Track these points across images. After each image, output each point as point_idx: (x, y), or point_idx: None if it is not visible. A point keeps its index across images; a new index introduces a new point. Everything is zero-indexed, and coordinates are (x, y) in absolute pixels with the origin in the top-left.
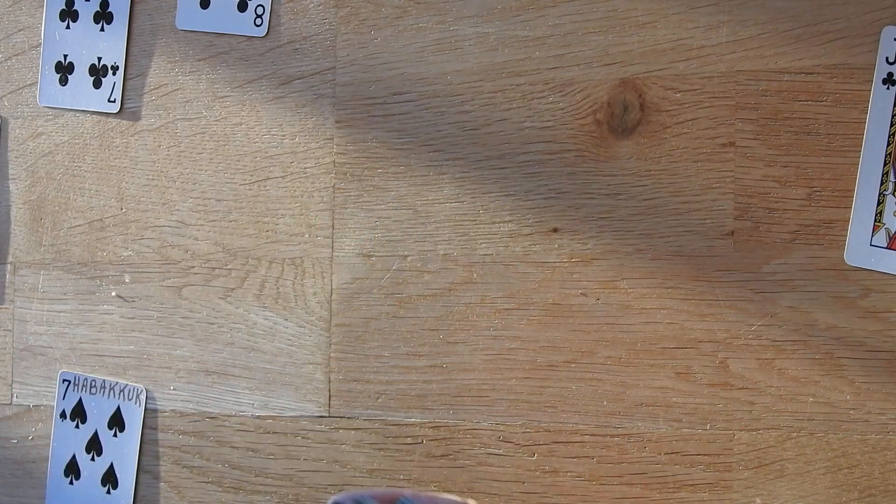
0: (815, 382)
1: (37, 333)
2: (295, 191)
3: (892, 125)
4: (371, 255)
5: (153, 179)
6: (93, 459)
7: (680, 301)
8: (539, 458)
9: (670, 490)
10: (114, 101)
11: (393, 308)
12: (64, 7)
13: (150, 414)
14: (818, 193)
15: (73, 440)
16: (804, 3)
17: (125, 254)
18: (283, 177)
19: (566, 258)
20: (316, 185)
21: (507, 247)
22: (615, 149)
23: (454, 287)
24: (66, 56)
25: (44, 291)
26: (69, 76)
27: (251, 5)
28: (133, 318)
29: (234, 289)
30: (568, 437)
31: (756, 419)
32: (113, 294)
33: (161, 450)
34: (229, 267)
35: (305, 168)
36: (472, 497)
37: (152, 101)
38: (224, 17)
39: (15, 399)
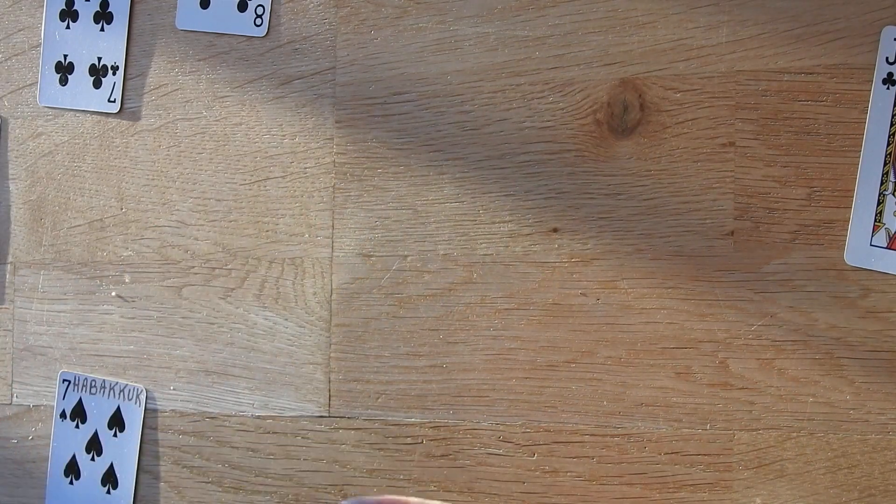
0: (815, 382)
1: (37, 333)
2: (295, 191)
3: (892, 125)
4: (371, 255)
5: (153, 179)
6: (93, 459)
7: (680, 301)
8: (539, 458)
9: (670, 490)
10: (114, 101)
11: (393, 308)
12: (64, 7)
13: (150, 414)
14: (818, 193)
15: (73, 440)
16: (804, 3)
17: (125, 254)
18: (283, 177)
19: (566, 258)
20: (316, 185)
21: (507, 247)
22: (615, 149)
23: (454, 287)
24: (66, 56)
25: (44, 291)
26: (69, 76)
27: (251, 5)
28: (133, 318)
29: (234, 289)
30: (568, 437)
31: (756, 419)
32: (113, 294)
33: (161, 450)
34: (229, 267)
35: (305, 168)
36: (471, 496)
37: (152, 101)
38: (224, 17)
39: (15, 399)
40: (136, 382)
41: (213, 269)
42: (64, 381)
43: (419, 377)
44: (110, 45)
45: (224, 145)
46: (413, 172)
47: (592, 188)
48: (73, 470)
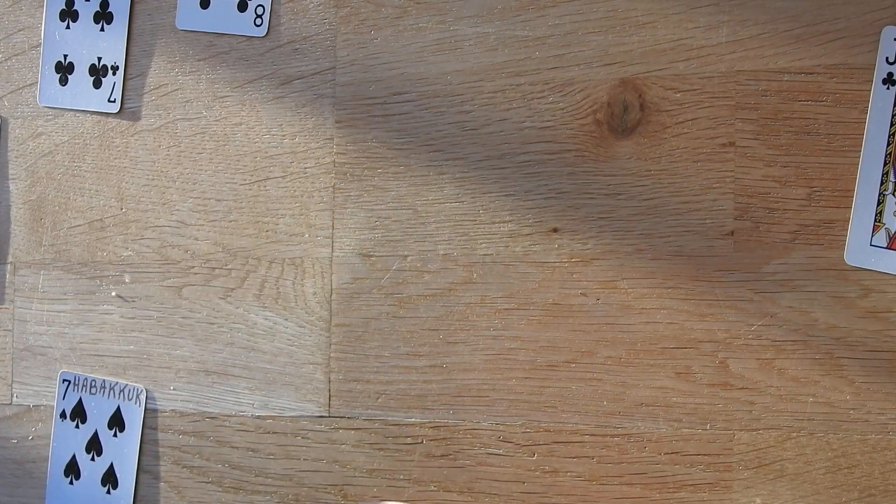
0: (815, 382)
1: (37, 333)
2: (295, 191)
3: (892, 125)
4: (371, 255)
5: (153, 179)
6: (93, 459)
7: (680, 301)
8: (539, 458)
9: (670, 490)
10: (114, 101)
11: (393, 308)
12: (64, 7)
13: (150, 414)
14: (818, 193)
15: (73, 440)
16: (804, 3)
17: (125, 254)
18: (283, 177)
19: (566, 258)
20: (316, 185)
21: (507, 247)
22: (615, 149)
23: (454, 287)
24: (66, 56)
25: (44, 291)
26: (69, 76)
27: (251, 5)
28: (133, 318)
29: (234, 289)
30: (568, 437)
31: (756, 419)
32: (113, 294)
33: (161, 450)
34: (229, 267)
35: (305, 168)
36: (471, 496)
37: (152, 101)
38: (224, 17)
39: (15, 399)
40: (136, 382)
41: (213, 269)
42: (64, 381)
43: (419, 377)
44: (110, 45)
45: (224, 145)
46: (413, 172)
47: (592, 188)
48: (73, 470)
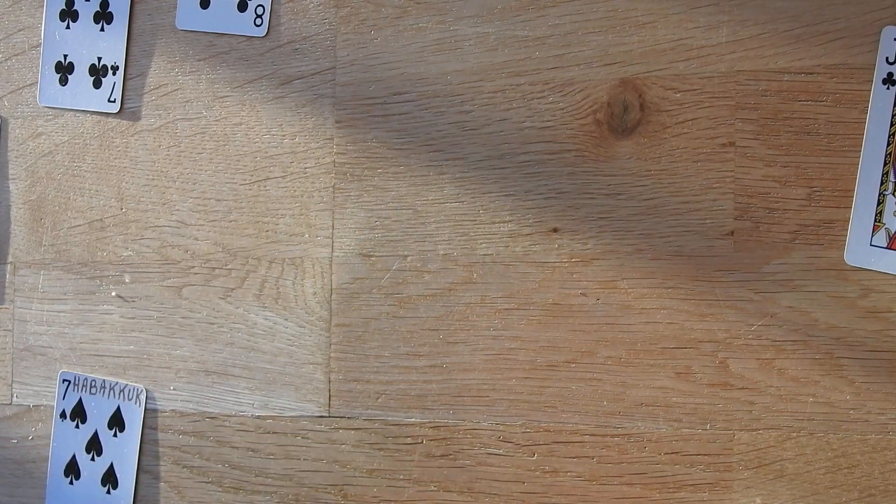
0: (815, 382)
1: (37, 333)
2: (295, 191)
3: (892, 125)
4: (371, 255)
5: (153, 179)
6: (93, 459)
7: (680, 301)
8: (539, 458)
9: (670, 490)
10: (114, 101)
11: (393, 308)
12: (64, 7)
13: (150, 414)
14: (818, 193)
15: (73, 440)
16: (804, 3)
17: (125, 254)
18: (283, 177)
19: (566, 258)
20: (316, 185)
21: (507, 247)
22: (615, 149)
23: (454, 287)
24: (66, 56)
25: (44, 291)
26: (69, 76)
27: (251, 5)
28: (133, 318)
29: (234, 289)
30: (568, 437)
31: (756, 419)
32: (113, 294)
33: (161, 450)
34: (229, 267)
35: (305, 168)
36: (471, 496)
37: (152, 101)
38: (224, 17)
39: (15, 399)
40: (136, 382)
41: (213, 269)
42: (64, 381)
43: (419, 377)
44: (110, 45)
45: (224, 145)
46: (413, 172)
47: (592, 188)
48: (73, 470)
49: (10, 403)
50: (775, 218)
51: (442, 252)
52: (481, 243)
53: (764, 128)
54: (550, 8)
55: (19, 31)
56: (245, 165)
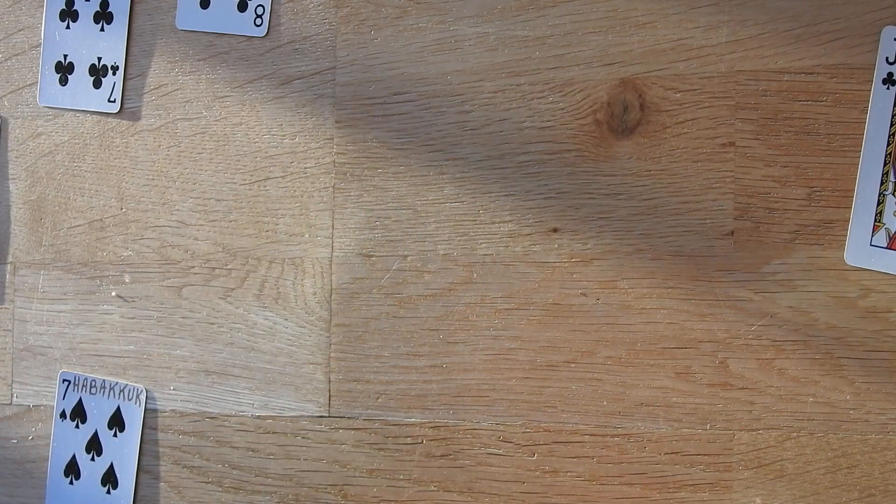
0: (815, 382)
1: (37, 333)
2: (295, 191)
3: (892, 125)
4: (371, 255)
5: (153, 179)
6: (93, 459)
7: (680, 301)
8: (539, 458)
9: (670, 490)
10: (114, 101)
11: (393, 308)
12: (64, 7)
13: (150, 414)
14: (818, 193)
15: (73, 440)
16: (804, 3)
17: (125, 254)
18: (283, 177)
19: (566, 258)
20: (316, 185)
21: (507, 247)
22: (615, 149)
23: (454, 287)
24: (66, 56)
25: (44, 291)
26: (69, 76)
27: (251, 5)
28: (133, 318)
29: (234, 289)
30: (568, 437)
31: (756, 419)
32: (113, 294)
33: (161, 450)
34: (229, 267)
35: (305, 168)
36: (471, 496)
37: (152, 101)
38: (224, 17)
39: (15, 399)
40: (136, 382)
41: (213, 269)
42: (64, 381)
43: (419, 377)
44: (110, 45)
45: (224, 145)
46: (413, 172)
47: (592, 188)
48: (73, 470)
49: (10, 403)
50: (775, 218)
51: (442, 252)
52: (481, 243)
53: (764, 128)
54: (550, 8)
55: (19, 31)
56: (245, 165)
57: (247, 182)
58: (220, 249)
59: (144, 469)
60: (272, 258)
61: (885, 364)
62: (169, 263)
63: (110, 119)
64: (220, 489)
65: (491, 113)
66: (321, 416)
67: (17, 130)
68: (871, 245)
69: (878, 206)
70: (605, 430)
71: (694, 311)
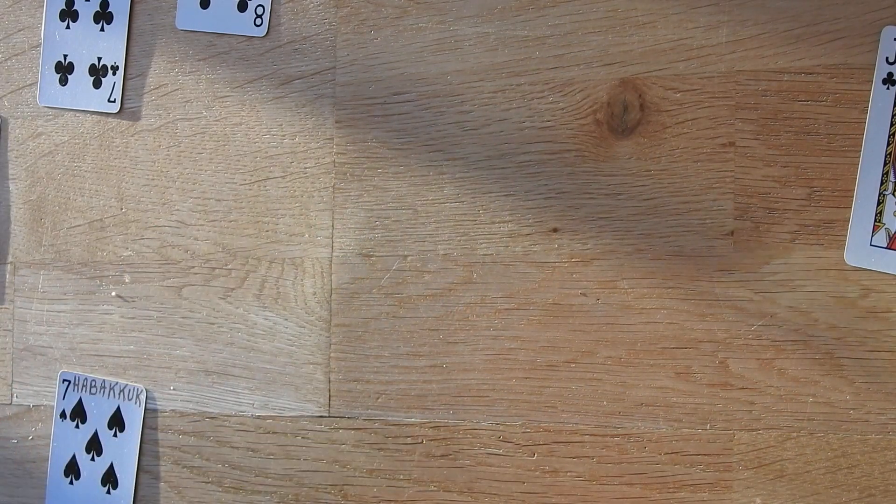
0: (815, 382)
1: (37, 333)
2: (295, 191)
3: (892, 125)
4: (371, 255)
5: (153, 179)
6: (93, 459)
7: (680, 301)
8: (539, 458)
9: (670, 490)
10: (114, 101)
11: (393, 308)
12: (64, 7)
13: (150, 414)
14: (818, 193)
15: (73, 440)
16: (804, 3)
17: (125, 254)
18: (283, 177)
19: (566, 258)
20: (316, 185)
21: (507, 247)
22: (615, 149)
23: (454, 287)
24: (66, 56)
25: (44, 291)
26: (69, 76)
27: (251, 5)
28: (133, 318)
29: (234, 289)
30: (568, 437)
31: (756, 419)
32: (113, 294)
33: (161, 450)
34: (229, 267)
35: (305, 168)
36: (471, 496)
37: (152, 101)
38: (224, 17)
39: (15, 399)
40: (136, 382)
41: (213, 269)
42: (64, 381)
43: (419, 377)
44: (110, 45)
45: (224, 145)
46: (413, 172)
47: (592, 188)
48: (73, 470)
49: (10, 403)
50: (775, 218)
51: (442, 252)
52: (481, 243)
53: (764, 128)
54: (550, 8)
55: (19, 31)
56: (245, 165)
57: (247, 182)
58: (220, 249)
59: (144, 469)
60: (272, 258)
61: (885, 364)
62: (169, 263)
63: (110, 119)
64: (220, 489)
65: (491, 113)
66: (321, 416)
67: (17, 130)
68: (871, 245)
69: (878, 206)
70: (605, 430)
71: (694, 311)
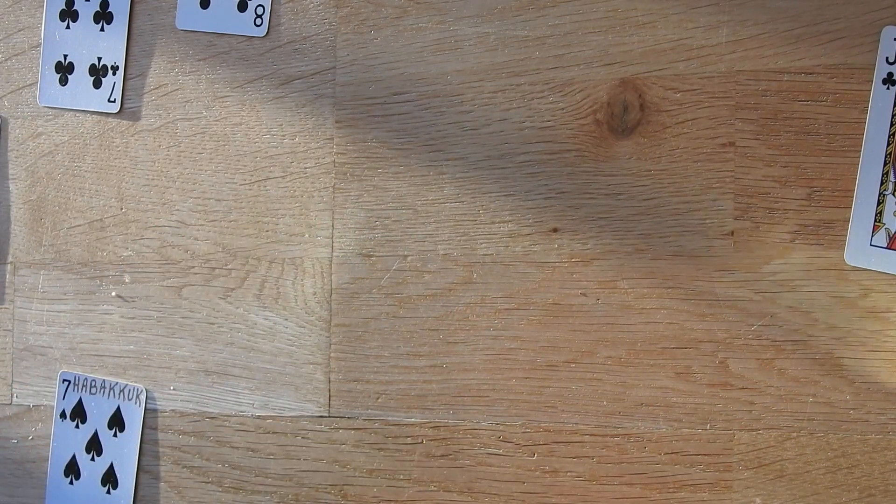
0: (815, 382)
1: (37, 333)
2: (295, 191)
3: (892, 125)
4: (371, 255)
5: (153, 179)
6: (93, 459)
7: (680, 301)
8: (539, 458)
9: (670, 490)
10: (114, 101)
11: (393, 308)
12: (64, 7)
13: (150, 414)
14: (818, 193)
15: (73, 440)
16: (804, 3)
17: (125, 254)
18: (283, 177)
19: (566, 258)
20: (316, 185)
21: (507, 247)
22: (615, 149)
23: (454, 287)
24: (66, 56)
25: (44, 291)
26: (69, 76)
27: (251, 5)
28: (133, 318)
29: (234, 289)
30: (568, 437)
31: (756, 419)
32: (113, 294)
33: (161, 450)
34: (229, 267)
35: (305, 168)
36: (471, 496)
37: (152, 101)
38: (224, 17)
39: (15, 399)
40: (136, 382)
41: (213, 269)
42: (64, 381)
43: (419, 377)
44: (110, 45)
45: (224, 145)
46: (413, 172)
47: (592, 188)
48: (73, 470)
49: (10, 403)
50: (775, 218)
51: (442, 252)
52: (481, 243)
53: (764, 128)
54: (550, 8)
55: (19, 31)
56: (245, 165)
57: (247, 182)
58: (220, 249)
59: (144, 469)
60: (272, 258)
61: (885, 364)
62: (169, 263)
63: (110, 119)
64: (220, 489)
65: (491, 113)
66: (321, 416)
67: (17, 130)
68: (871, 245)
69: (878, 206)
70: (605, 430)
71: (694, 311)
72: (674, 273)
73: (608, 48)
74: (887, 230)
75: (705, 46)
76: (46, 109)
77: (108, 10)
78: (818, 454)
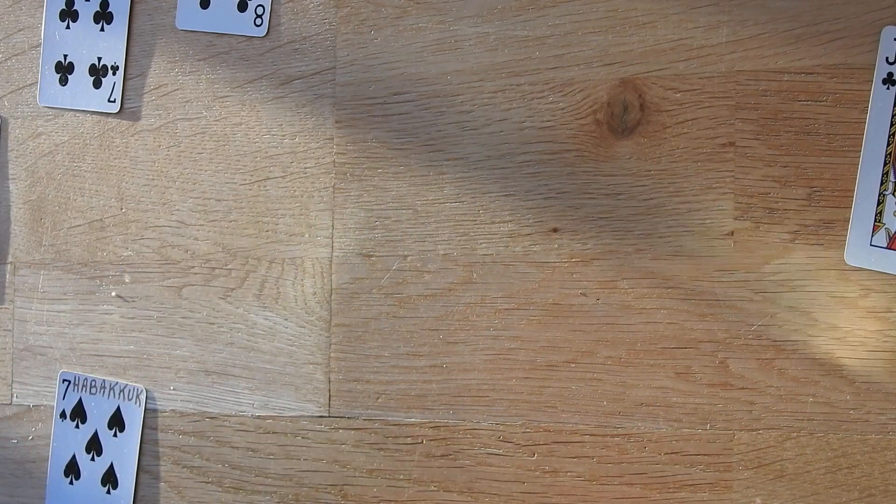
0: (815, 382)
1: (37, 333)
2: (295, 191)
3: (892, 125)
4: (371, 255)
5: (153, 179)
6: (93, 459)
7: (680, 301)
8: (539, 458)
9: (670, 490)
10: (114, 101)
11: (393, 308)
12: (64, 7)
13: (150, 414)
14: (818, 193)
15: (73, 440)
16: (804, 3)
17: (125, 254)
18: (283, 177)
19: (566, 258)
20: (316, 185)
21: (507, 247)
22: (615, 149)
23: (454, 287)
24: (66, 56)
25: (44, 291)
26: (69, 76)
27: (251, 5)
28: (133, 318)
29: (234, 289)
30: (568, 437)
31: (756, 419)
32: (113, 294)
33: (161, 450)
34: (229, 267)
35: (305, 168)
36: (471, 496)
37: (152, 101)
38: (224, 17)
39: (15, 399)
40: (136, 382)
41: (213, 269)
42: (64, 381)
43: (419, 377)
44: (110, 45)
45: (224, 145)
46: (413, 172)
47: (592, 188)
48: (73, 470)
49: (10, 403)
50: (775, 218)
51: (442, 252)
52: (481, 243)
53: (764, 128)
54: (550, 8)
55: (19, 31)
56: (245, 165)
57: (247, 182)
58: (220, 249)
59: (144, 469)
60: (272, 258)
61: (885, 364)
62: (169, 263)
63: (110, 119)
64: (220, 489)
65: (491, 113)
66: (321, 416)
67: (17, 130)
68: (871, 245)
69: (878, 206)
70: (605, 430)
71: (694, 311)
72: (674, 273)
73: (608, 48)
74: (887, 230)
75: (705, 46)
76: (46, 109)
77: (108, 10)
78: (818, 454)
